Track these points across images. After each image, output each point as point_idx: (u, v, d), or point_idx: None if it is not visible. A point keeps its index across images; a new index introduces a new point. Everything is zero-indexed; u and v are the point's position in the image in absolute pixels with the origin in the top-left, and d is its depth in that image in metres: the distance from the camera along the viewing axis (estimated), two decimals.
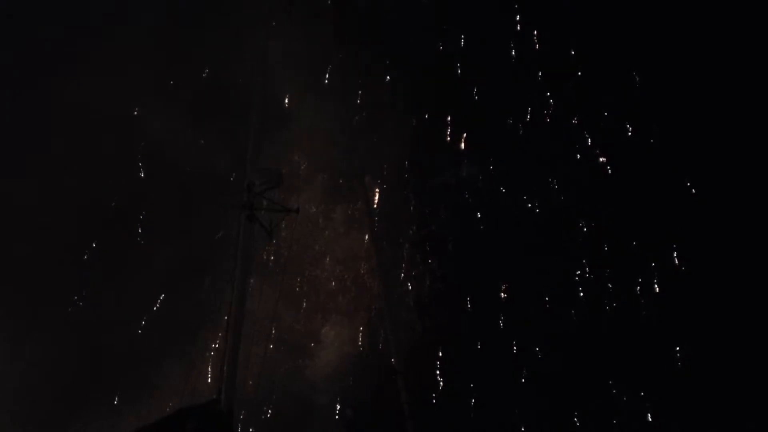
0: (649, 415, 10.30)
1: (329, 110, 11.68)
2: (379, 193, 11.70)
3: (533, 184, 11.56)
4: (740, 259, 10.22)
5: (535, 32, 11.94)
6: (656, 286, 10.70)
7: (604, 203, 11.25)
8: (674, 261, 10.69)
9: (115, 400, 10.83)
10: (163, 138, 11.33)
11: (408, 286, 12.06)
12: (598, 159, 11.37)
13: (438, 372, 11.17)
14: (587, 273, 11.21)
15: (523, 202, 11.61)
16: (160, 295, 11.77)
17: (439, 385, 11.13)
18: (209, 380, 10.34)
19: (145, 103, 11.39)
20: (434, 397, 11.14)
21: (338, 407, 12.19)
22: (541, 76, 11.76)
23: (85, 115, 11.79)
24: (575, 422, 10.59)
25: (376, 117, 12.01)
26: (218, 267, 10.82)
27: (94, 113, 11.65)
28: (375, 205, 11.58)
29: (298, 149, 11.41)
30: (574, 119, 11.66)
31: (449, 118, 11.93)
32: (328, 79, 11.84)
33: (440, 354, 11.47)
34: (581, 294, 11.20)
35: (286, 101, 11.48)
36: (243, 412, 10.70)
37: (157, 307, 11.75)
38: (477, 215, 11.74)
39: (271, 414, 11.70)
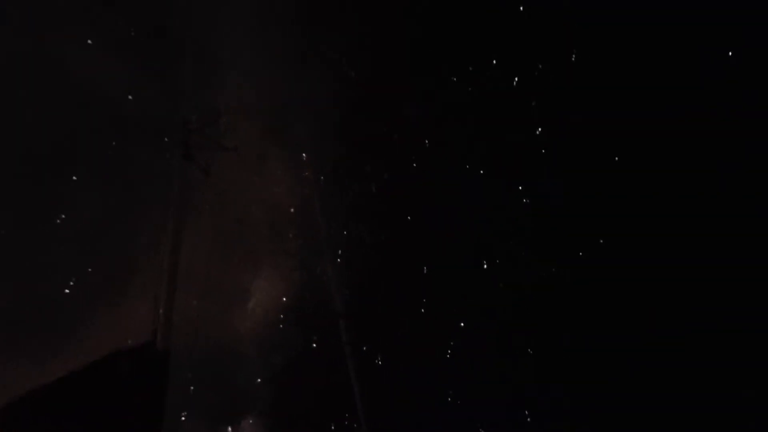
0: (580, 387, 10.51)
1: (268, 53, 11.31)
2: (318, 141, 11.46)
3: (476, 147, 11.50)
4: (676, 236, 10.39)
5: None
6: (588, 259, 10.87)
7: (543, 174, 11.30)
8: (608, 236, 10.84)
9: (38, 347, 10.46)
10: (89, 76, 10.80)
11: (341, 245, 12.00)
12: (536, 129, 11.39)
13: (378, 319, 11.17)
14: (523, 243, 11.34)
15: (464, 168, 11.57)
16: (89, 242, 11.35)
17: (382, 329, 11.14)
18: (142, 326, 10.11)
19: (70, 39, 10.80)
20: (375, 341, 11.17)
21: (265, 357, 12.18)
22: (490, 29, 11.61)
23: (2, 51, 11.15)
24: (508, 393, 10.78)
25: (316, 65, 11.70)
26: (151, 212, 10.50)
27: (11, 48, 11.02)
28: (312, 154, 11.36)
29: (234, 90, 11.05)
30: (514, 81, 11.59)
31: (392, 71, 11.71)
32: (269, 22, 11.44)
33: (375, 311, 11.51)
34: (515, 266, 11.33)
35: (223, 42, 11.08)
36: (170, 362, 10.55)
37: (86, 257, 11.34)
38: (418, 179, 11.64)
39: (197, 365, 11.58)
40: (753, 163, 10.02)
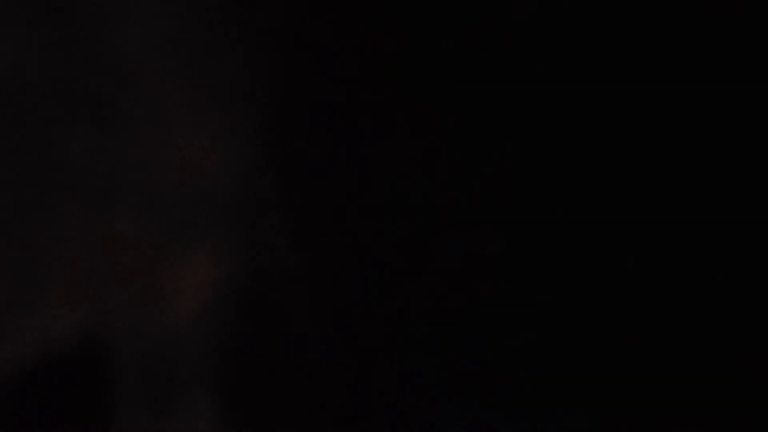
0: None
1: (188, 7, 10.49)
2: (247, 108, 10.82)
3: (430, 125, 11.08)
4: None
5: None
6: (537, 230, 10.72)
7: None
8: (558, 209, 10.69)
9: None
10: None
11: (276, 225, 11.55)
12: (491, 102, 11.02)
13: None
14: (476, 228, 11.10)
15: (417, 146, 11.18)
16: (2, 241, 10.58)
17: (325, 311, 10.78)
18: (67, 326, 9.50)
19: None
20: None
21: (203, 341, 11.81)
22: None
23: None
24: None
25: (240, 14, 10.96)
26: (67, 199, 9.72)
27: None
28: (241, 122, 10.73)
29: (148, 49, 10.26)
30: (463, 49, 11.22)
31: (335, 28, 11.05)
32: None
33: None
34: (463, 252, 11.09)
35: None
36: (104, 357, 10.02)
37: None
38: (366, 155, 11.19)
39: (131, 358, 11.14)
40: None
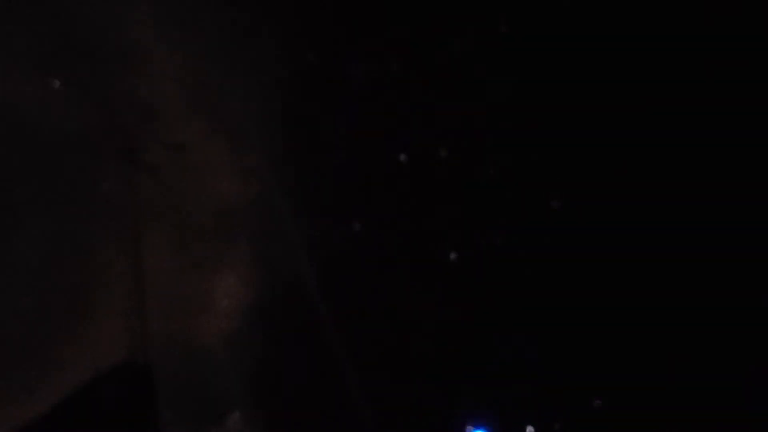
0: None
1: (198, 43, 10.89)
2: (269, 131, 11.11)
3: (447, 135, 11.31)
4: None
5: None
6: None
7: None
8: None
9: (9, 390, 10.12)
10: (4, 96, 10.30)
11: (304, 239, 11.85)
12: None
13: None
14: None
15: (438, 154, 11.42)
16: (45, 275, 10.98)
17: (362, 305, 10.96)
18: (113, 349, 9.83)
19: None
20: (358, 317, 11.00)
21: (239, 357, 12.08)
22: None
23: None
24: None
25: (259, 43, 11.27)
26: (103, 231, 10.15)
27: None
28: (262, 145, 11.04)
29: (166, 84, 10.64)
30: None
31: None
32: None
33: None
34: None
35: (142, 29, 10.58)
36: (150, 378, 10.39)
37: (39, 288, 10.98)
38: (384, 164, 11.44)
39: (174, 378, 11.44)
40: None
